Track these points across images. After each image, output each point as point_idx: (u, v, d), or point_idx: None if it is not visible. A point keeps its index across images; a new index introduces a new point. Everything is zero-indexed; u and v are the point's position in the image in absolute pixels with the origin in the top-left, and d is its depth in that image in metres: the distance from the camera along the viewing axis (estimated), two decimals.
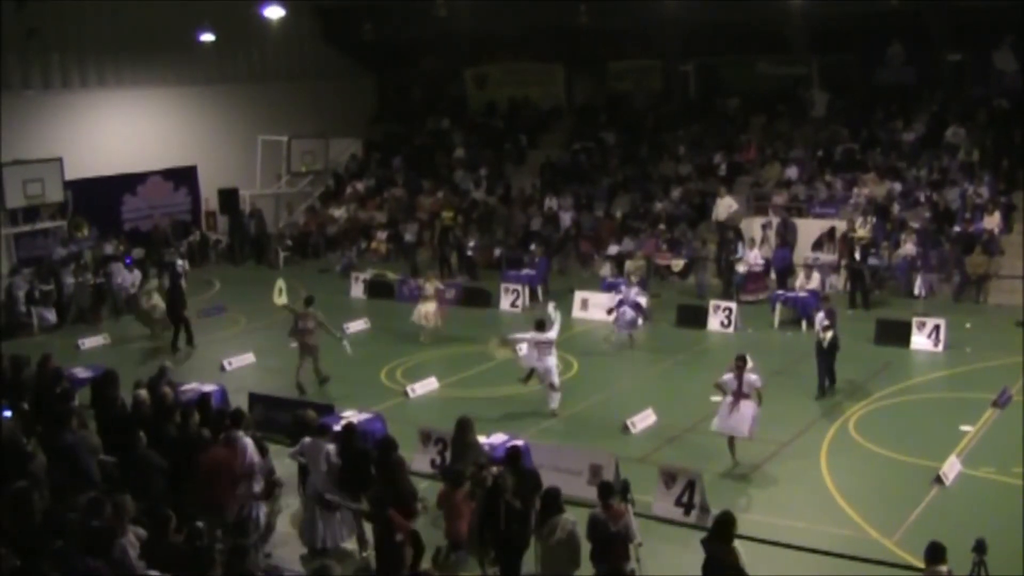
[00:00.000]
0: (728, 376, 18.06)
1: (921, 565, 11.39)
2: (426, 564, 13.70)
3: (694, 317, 27.74)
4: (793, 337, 26.47)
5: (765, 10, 35.14)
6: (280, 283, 24.82)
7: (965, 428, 19.20)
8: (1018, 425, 18.74)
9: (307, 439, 14.89)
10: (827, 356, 21.34)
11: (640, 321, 25.86)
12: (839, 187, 33.63)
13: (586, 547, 12.67)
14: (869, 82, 38.17)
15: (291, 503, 15.90)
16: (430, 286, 27.01)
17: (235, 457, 14.36)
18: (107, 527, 11.45)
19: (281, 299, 24.50)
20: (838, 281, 30.38)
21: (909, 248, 29.54)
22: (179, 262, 33.63)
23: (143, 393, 16.94)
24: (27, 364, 19.34)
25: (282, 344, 27.22)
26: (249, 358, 25.69)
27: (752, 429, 17.91)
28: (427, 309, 26.58)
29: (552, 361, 21.07)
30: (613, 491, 12.89)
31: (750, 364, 18.15)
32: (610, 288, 29.75)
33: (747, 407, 17.81)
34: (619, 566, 12.64)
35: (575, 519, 12.59)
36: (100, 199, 36.37)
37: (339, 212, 41.16)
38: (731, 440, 18.10)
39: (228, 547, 11.63)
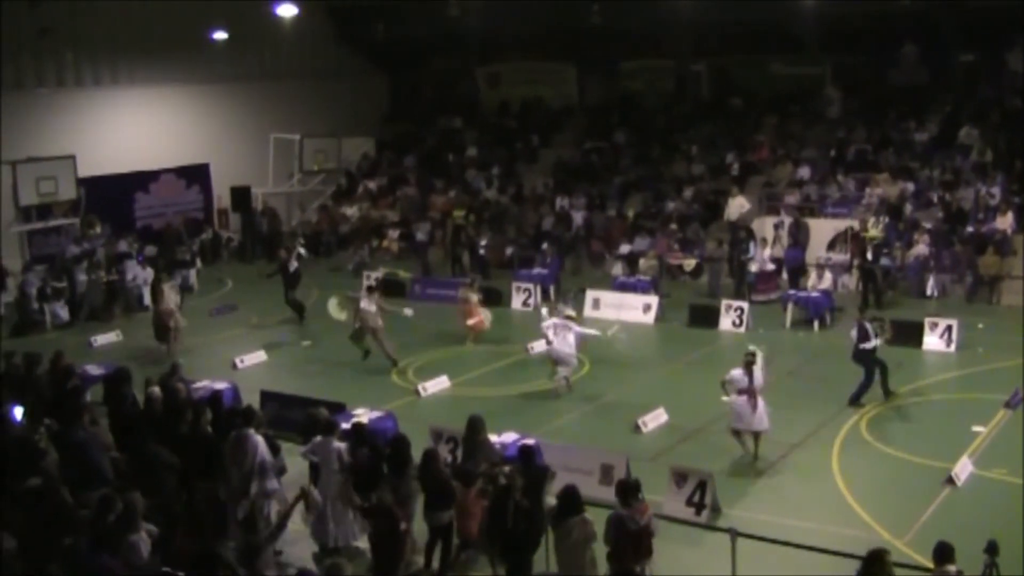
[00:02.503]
0: (738, 372, 18.06)
1: (931, 566, 11.37)
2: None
3: (706, 317, 27.71)
4: (805, 337, 26.46)
5: (777, 10, 35.13)
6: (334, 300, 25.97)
7: (977, 429, 19.15)
8: None
9: (319, 438, 14.90)
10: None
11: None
12: (851, 187, 33.59)
13: (600, 548, 12.68)
14: (882, 82, 38.10)
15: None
16: (472, 295, 26.86)
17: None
18: (119, 524, 11.49)
19: (340, 314, 25.58)
20: (850, 281, 30.35)
21: (921, 248, 29.50)
22: (191, 271, 33.76)
23: (156, 390, 16.98)
24: (39, 361, 19.38)
25: (294, 341, 27.37)
26: (261, 356, 25.72)
27: (769, 422, 18.06)
28: (478, 321, 26.47)
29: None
30: (632, 490, 12.92)
31: (759, 360, 18.15)
32: (622, 287, 29.86)
33: (761, 401, 17.88)
34: (642, 562, 12.73)
35: (592, 519, 12.59)
36: (113, 197, 36.47)
37: (351, 211, 41.20)
38: (757, 436, 18.09)
39: (240, 545, 11.65)
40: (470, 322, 26.43)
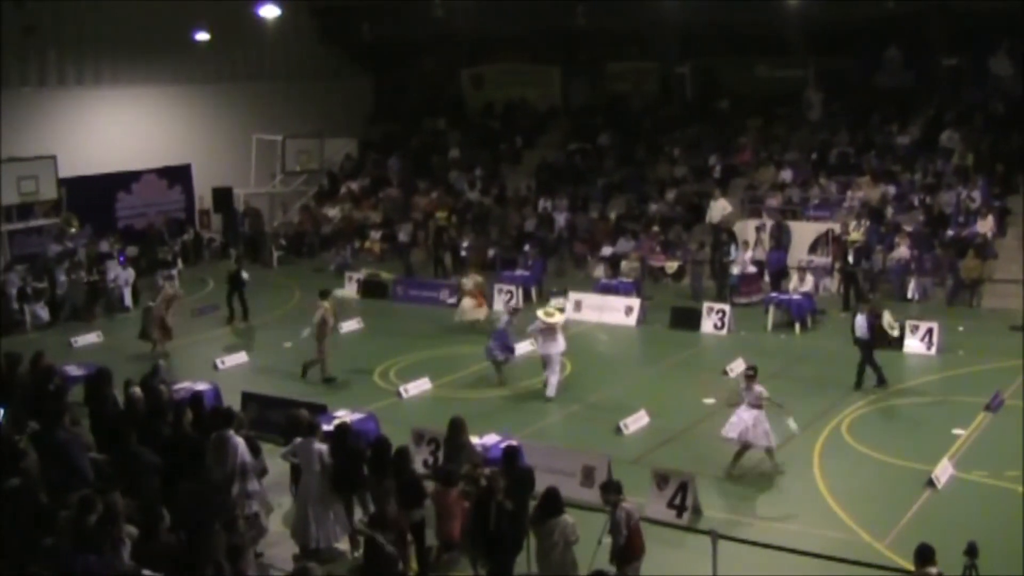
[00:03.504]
0: (741, 386, 18.03)
1: (912, 568, 11.41)
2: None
3: (688, 319, 27.72)
4: (787, 340, 26.50)
5: (763, 13, 35.16)
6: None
7: (957, 432, 19.23)
8: (1010, 429, 18.81)
9: (299, 439, 14.87)
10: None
11: (503, 356, 23.37)
12: (833, 190, 33.65)
13: (582, 548, 12.67)
14: (867, 86, 38.20)
15: (283, 503, 15.89)
16: (469, 281, 27.60)
17: None
18: (101, 525, 11.43)
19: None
20: (832, 284, 30.44)
21: (903, 251, 29.58)
22: (173, 271, 33.65)
23: (137, 391, 16.92)
24: (20, 362, 19.27)
25: (275, 343, 27.30)
26: (242, 357, 25.65)
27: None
28: (467, 304, 27.10)
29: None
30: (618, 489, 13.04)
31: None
32: (604, 289, 29.87)
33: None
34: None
35: (574, 520, 12.60)
36: (95, 197, 36.32)
37: (334, 211, 41.14)
38: (745, 448, 17.87)
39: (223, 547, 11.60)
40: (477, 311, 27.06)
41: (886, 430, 19.84)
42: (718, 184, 35.04)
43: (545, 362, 22.31)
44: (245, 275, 29.39)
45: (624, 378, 23.98)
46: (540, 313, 22.49)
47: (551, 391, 22.03)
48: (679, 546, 14.51)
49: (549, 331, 22.07)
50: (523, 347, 24.23)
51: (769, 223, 32.16)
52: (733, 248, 31.11)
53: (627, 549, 12.67)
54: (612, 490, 12.98)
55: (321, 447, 14.67)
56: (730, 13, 35.69)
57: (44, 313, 30.04)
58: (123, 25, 36.85)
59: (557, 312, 22.90)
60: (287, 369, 24.68)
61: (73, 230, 33.74)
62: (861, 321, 21.86)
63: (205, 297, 33.06)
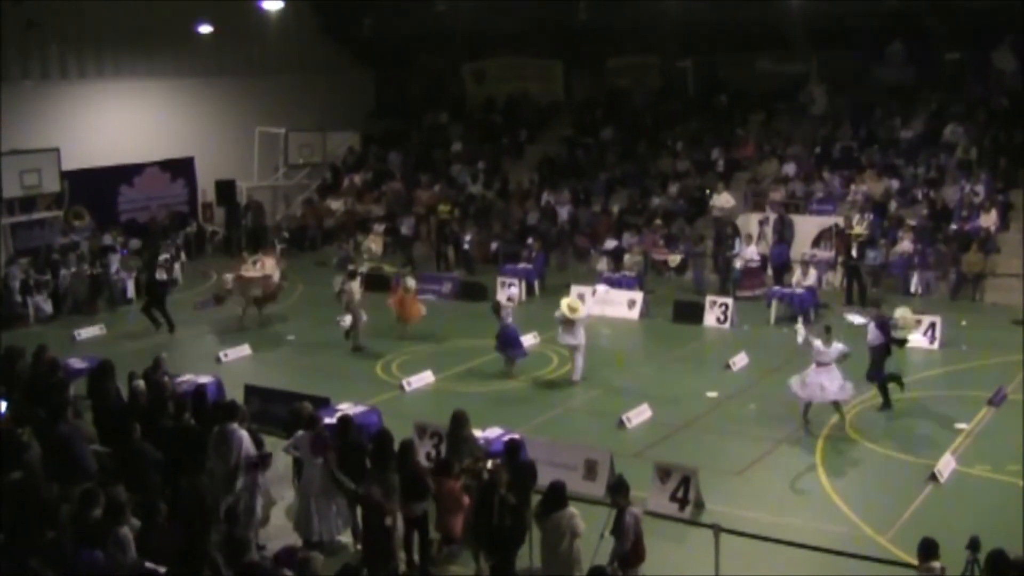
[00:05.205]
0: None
1: (915, 562, 11.41)
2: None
3: (691, 313, 27.74)
4: (789, 333, 26.40)
5: (765, 8, 35.15)
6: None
7: (960, 426, 19.23)
8: (1012, 424, 18.79)
9: (301, 432, 14.87)
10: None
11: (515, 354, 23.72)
12: (837, 184, 33.64)
13: (586, 543, 12.68)
14: (869, 80, 38.16)
15: (286, 496, 15.90)
16: (412, 282, 27.49)
17: None
18: (106, 518, 11.43)
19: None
20: (835, 278, 30.42)
21: (906, 245, 29.56)
22: (176, 265, 33.60)
23: (140, 384, 16.93)
24: (22, 355, 19.29)
25: (278, 336, 27.30)
26: (245, 350, 25.66)
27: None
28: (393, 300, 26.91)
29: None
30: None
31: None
32: (607, 283, 29.84)
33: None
34: None
35: (577, 513, 12.59)
36: (97, 190, 36.35)
37: (336, 205, 41.14)
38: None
39: (225, 539, 11.60)
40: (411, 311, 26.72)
41: (889, 424, 19.80)
42: (721, 178, 35.03)
43: (570, 351, 22.66)
44: (164, 276, 28.64)
45: (626, 372, 23.94)
46: (563, 306, 22.57)
47: (576, 375, 22.58)
48: (681, 540, 14.50)
49: (568, 323, 22.29)
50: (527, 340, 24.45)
51: (772, 217, 32.15)
52: (736, 242, 31.10)
53: (632, 554, 12.66)
54: (622, 492, 12.89)
55: None
56: (732, 8, 35.69)
57: (47, 306, 30.06)
58: (125, 18, 36.89)
59: (581, 307, 22.84)
60: (290, 362, 24.69)
61: (81, 223, 33.74)
62: (872, 328, 21.14)
63: (207, 290, 33.01)
